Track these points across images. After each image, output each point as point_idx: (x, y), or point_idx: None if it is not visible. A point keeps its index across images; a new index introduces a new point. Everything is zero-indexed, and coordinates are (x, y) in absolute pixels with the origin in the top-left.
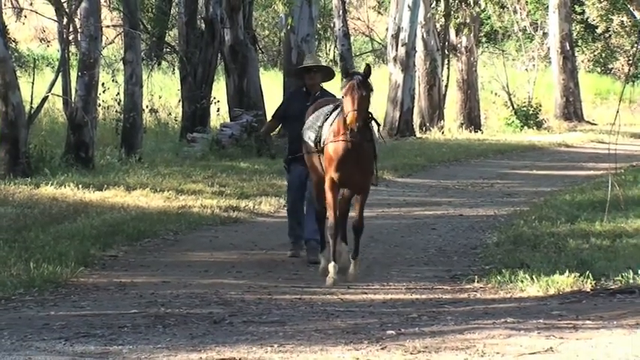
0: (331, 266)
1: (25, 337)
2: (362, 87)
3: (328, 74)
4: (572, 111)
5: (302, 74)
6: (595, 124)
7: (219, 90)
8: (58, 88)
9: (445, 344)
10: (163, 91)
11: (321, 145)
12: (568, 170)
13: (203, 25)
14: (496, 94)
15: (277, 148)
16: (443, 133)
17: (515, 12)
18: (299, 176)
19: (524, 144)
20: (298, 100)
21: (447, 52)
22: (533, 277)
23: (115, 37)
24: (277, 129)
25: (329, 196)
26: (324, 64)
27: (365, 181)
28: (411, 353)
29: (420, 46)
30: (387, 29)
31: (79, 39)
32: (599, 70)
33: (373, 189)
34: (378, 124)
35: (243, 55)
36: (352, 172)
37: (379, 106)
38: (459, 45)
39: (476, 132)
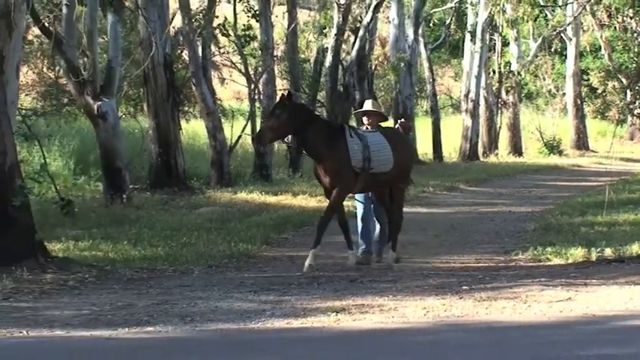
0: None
1: (228, 290)
2: (277, 107)
3: (382, 117)
4: (581, 144)
5: (361, 116)
6: (597, 152)
7: None
8: (248, 129)
9: (500, 295)
10: None
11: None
12: (579, 182)
13: (341, 89)
14: (532, 132)
15: None
16: (497, 158)
17: (544, 79)
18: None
19: (551, 165)
20: None
21: (500, 106)
22: (557, 251)
23: None
24: None
25: None
26: (375, 108)
27: (330, 175)
28: (478, 301)
29: (482, 101)
30: (460, 91)
31: (261, 98)
32: (599, 117)
33: (456, 194)
34: (359, 135)
35: None
36: (319, 172)
37: (456, 141)
38: (507, 101)
39: (519, 157)
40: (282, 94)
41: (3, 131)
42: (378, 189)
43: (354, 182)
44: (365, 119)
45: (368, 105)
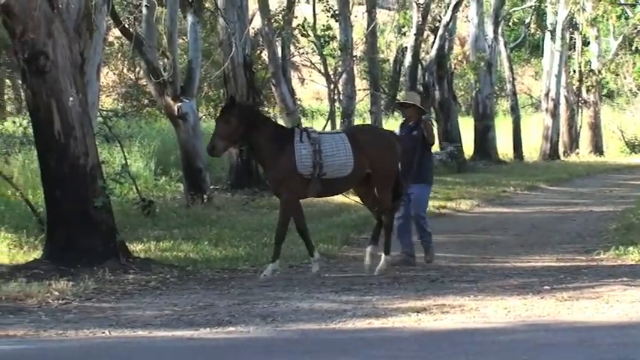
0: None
1: (309, 290)
2: (224, 113)
3: (421, 110)
4: None
5: (399, 108)
6: None
7: None
8: (328, 129)
9: (582, 295)
10: None
11: None
12: None
13: (421, 88)
14: (613, 131)
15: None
16: (578, 157)
17: (625, 78)
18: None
19: (632, 164)
20: (400, 129)
21: (580, 105)
22: None
23: (364, 97)
24: None
25: None
26: (412, 100)
27: (272, 185)
28: (560, 301)
29: (562, 100)
30: (541, 90)
31: (341, 98)
32: None
33: (537, 193)
34: (312, 139)
35: (447, 107)
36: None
37: (537, 141)
38: (588, 100)
39: (600, 156)
40: (231, 95)
41: (85, 132)
42: (339, 193)
43: (303, 189)
44: (402, 112)
45: (406, 97)
